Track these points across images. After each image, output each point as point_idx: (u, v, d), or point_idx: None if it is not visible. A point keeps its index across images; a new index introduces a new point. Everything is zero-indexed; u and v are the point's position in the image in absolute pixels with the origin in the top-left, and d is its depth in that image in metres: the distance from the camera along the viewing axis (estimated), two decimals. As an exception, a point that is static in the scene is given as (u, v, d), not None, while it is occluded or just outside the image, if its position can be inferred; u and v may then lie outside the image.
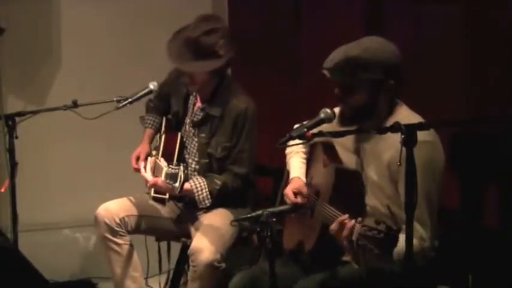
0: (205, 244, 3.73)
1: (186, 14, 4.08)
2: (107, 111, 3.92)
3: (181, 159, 3.95)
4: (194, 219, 3.97)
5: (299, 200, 3.30)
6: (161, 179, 3.68)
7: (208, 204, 3.85)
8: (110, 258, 3.92)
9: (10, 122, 3.86)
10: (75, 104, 3.95)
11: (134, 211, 3.96)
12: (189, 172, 3.93)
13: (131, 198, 4.01)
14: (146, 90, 3.98)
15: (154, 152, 4.02)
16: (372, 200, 3.16)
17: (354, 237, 2.76)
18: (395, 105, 3.15)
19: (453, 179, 3.63)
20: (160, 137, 4.09)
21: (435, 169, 3.03)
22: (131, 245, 3.94)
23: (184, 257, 4.05)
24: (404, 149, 2.64)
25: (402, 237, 2.68)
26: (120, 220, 3.90)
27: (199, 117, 3.96)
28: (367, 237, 2.71)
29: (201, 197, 3.83)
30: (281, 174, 3.59)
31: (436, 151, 3.05)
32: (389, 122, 3.06)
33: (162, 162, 3.80)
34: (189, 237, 3.95)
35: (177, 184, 3.60)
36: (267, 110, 4.39)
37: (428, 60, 3.83)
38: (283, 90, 4.71)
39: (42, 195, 5.00)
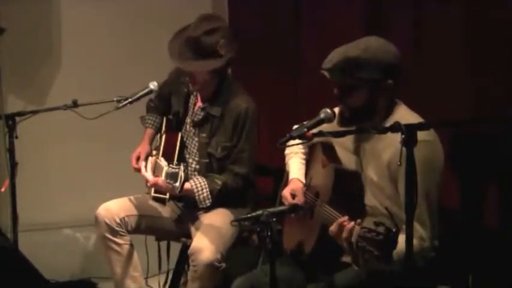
0: (205, 244, 3.73)
1: (186, 14, 4.08)
2: (107, 111, 3.93)
3: (182, 159, 3.95)
4: (194, 219, 3.98)
5: (297, 201, 3.30)
6: (162, 179, 3.68)
7: (208, 204, 3.85)
8: (110, 258, 3.93)
9: (10, 122, 3.86)
10: (75, 104, 3.96)
11: (134, 211, 3.96)
12: (190, 172, 3.93)
13: (131, 198, 4.01)
14: (146, 90, 3.98)
15: (154, 152, 4.02)
16: (371, 200, 3.16)
17: (353, 239, 2.76)
18: (395, 105, 3.15)
19: (453, 179, 3.63)
20: (160, 137, 4.09)
21: (435, 169, 3.03)
22: (131, 245, 3.94)
23: (184, 257, 4.05)
24: (404, 148, 2.64)
25: (402, 238, 2.68)
26: (120, 220, 3.91)
27: (200, 117, 3.96)
28: (366, 239, 2.71)
29: (201, 196, 3.83)
30: (281, 174, 3.60)
31: (435, 151, 3.05)
32: (389, 122, 3.07)
33: (163, 162, 3.80)
34: (189, 237, 3.95)
35: (177, 184, 3.60)
36: (267, 110, 4.39)
37: (428, 60, 3.83)
38: (283, 90, 4.71)
39: (42, 195, 4.99)
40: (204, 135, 3.94)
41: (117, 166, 4.52)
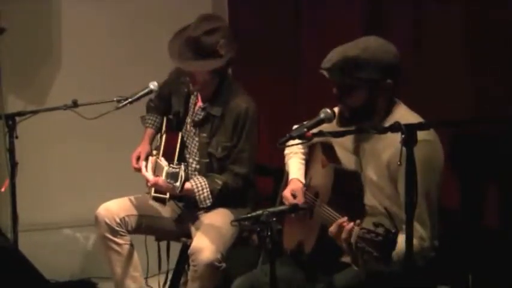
0: (205, 244, 3.73)
1: (186, 14, 4.09)
2: (107, 111, 3.93)
3: (182, 159, 3.95)
4: (195, 218, 3.98)
5: (297, 201, 3.30)
6: (162, 179, 3.68)
7: (209, 204, 3.85)
8: (110, 258, 3.93)
9: (10, 122, 3.87)
10: (75, 104, 3.96)
11: (134, 211, 3.96)
12: (190, 172, 3.93)
13: (131, 198, 4.01)
14: (146, 90, 3.99)
15: (155, 152, 4.02)
16: (371, 200, 3.16)
17: (353, 240, 2.76)
18: (394, 105, 3.15)
19: (453, 179, 3.63)
20: (161, 137, 4.09)
21: (435, 168, 3.03)
22: (131, 245, 3.94)
23: (184, 256, 4.06)
24: (404, 148, 2.64)
25: (401, 238, 2.68)
26: (120, 220, 3.91)
27: (200, 116, 3.96)
28: (365, 240, 2.71)
29: (202, 196, 3.83)
30: (281, 174, 3.60)
31: (435, 150, 3.05)
32: (388, 122, 3.07)
33: (163, 162, 3.80)
34: (190, 237, 3.95)
35: (178, 183, 3.60)
36: (267, 110, 4.40)
37: (428, 60, 3.83)
38: (283, 90, 4.71)
39: (42, 195, 4.99)
40: (204, 135, 3.94)
41: (117, 166, 4.52)
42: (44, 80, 5.04)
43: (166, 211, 4.03)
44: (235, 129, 3.87)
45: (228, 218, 3.80)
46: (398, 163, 2.66)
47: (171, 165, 3.69)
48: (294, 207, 3.22)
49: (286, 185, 3.46)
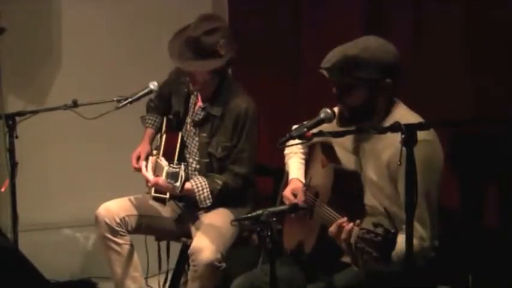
0: (205, 244, 3.73)
1: (186, 14, 4.09)
2: (107, 111, 3.93)
3: (182, 159, 3.95)
4: (195, 218, 3.98)
5: (298, 199, 3.30)
6: (162, 179, 3.68)
7: (209, 204, 3.85)
8: (110, 258, 3.93)
9: (10, 122, 3.87)
10: (75, 104, 3.96)
11: (134, 211, 3.96)
12: (190, 172, 3.93)
13: (131, 198, 4.01)
14: (146, 90, 3.99)
15: (155, 152, 4.02)
16: (371, 200, 3.16)
17: (352, 240, 2.76)
18: (394, 105, 3.15)
19: (453, 179, 3.63)
20: (161, 137, 4.09)
21: (435, 168, 3.03)
22: (131, 245, 3.94)
23: (184, 256, 4.06)
24: (404, 148, 2.64)
25: (401, 238, 2.68)
26: (120, 220, 3.91)
27: (200, 116, 3.96)
28: (365, 240, 2.71)
29: (202, 196, 3.83)
30: (281, 174, 3.60)
31: (435, 150, 3.05)
32: (388, 122, 3.07)
33: (163, 162, 3.80)
34: (190, 237, 3.95)
35: (178, 183, 3.60)
36: (267, 110, 4.39)
37: (428, 60, 3.83)
38: (283, 90, 4.71)
39: (42, 195, 5.00)
40: (204, 135, 3.94)
41: (117, 166, 4.52)
42: (44, 80, 5.03)
43: (167, 211, 4.03)
44: (235, 129, 3.87)
45: (228, 217, 3.80)
46: (398, 163, 2.66)
47: (171, 165, 3.69)
48: (294, 207, 3.22)
49: (286, 184, 3.46)
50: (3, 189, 3.99)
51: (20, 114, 3.92)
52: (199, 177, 3.88)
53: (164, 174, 3.66)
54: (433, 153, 3.02)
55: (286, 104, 4.67)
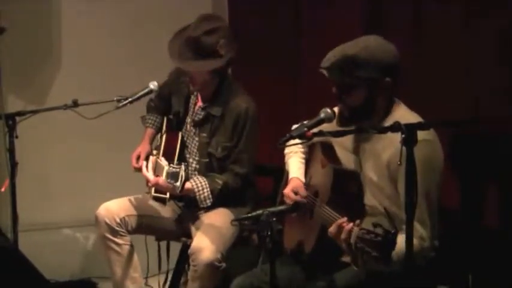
0: (206, 243, 3.73)
1: (186, 14, 4.09)
2: (107, 111, 3.93)
3: (182, 159, 3.95)
4: (195, 218, 3.98)
5: (299, 195, 3.30)
6: (162, 179, 3.68)
7: (209, 204, 3.86)
8: (110, 258, 3.93)
9: (10, 122, 3.87)
10: (75, 104, 3.96)
11: (134, 211, 3.96)
12: (190, 171, 3.94)
13: (131, 198, 4.01)
14: (146, 90, 3.99)
15: (155, 152, 4.02)
16: (370, 200, 3.16)
17: (352, 240, 2.76)
18: (393, 104, 3.15)
19: (453, 179, 3.63)
20: (161, 137, 4.09)
21: (435, 168, 3.03)
22: (131, 245, 3.94)
23: (184, 256, 4.06)
24: (404, 148, 2.64)
25: (401, 238, 2.68)
26: (120, 220, 3.91)
27: (200, 116, 3.96)
28: (364, 240, 2.71)
29: (202, 196, 3.83)
30: (281, 174, 3.60)
31: (435, 150, 3.05)
32: (388, 121, 3.07)
33: (163, 162, 3.80)
34: (190, 236, 3.95)
35: (178, 183, 3.60)
36: (267, 110, 4.39)
37: (428, 60, 3.83)
38: (283, 90, 4.71)
39: (42, 195, 5.00)
40: (204, 134, 3.94)
41: (117, 166, 4.52)
42: (44, 80, 5.03)
43: (167, 211, 4.03)
44: (235, 129, 3.88)
45: (228, 217, 3.80)
46: (398, 163, 2.66)
47: (171, 165, 3.70)
48: (295, 206, 3.22)
49: (286, 184, 3.46)
50: (3, 189, 3.99)
51: (20, 114, 3.92)
52: (199, 177, 3.88)
53: (164, 174, 3.66)
54: (433, 153, 3.02)
55: (286, 104, 4.67)
